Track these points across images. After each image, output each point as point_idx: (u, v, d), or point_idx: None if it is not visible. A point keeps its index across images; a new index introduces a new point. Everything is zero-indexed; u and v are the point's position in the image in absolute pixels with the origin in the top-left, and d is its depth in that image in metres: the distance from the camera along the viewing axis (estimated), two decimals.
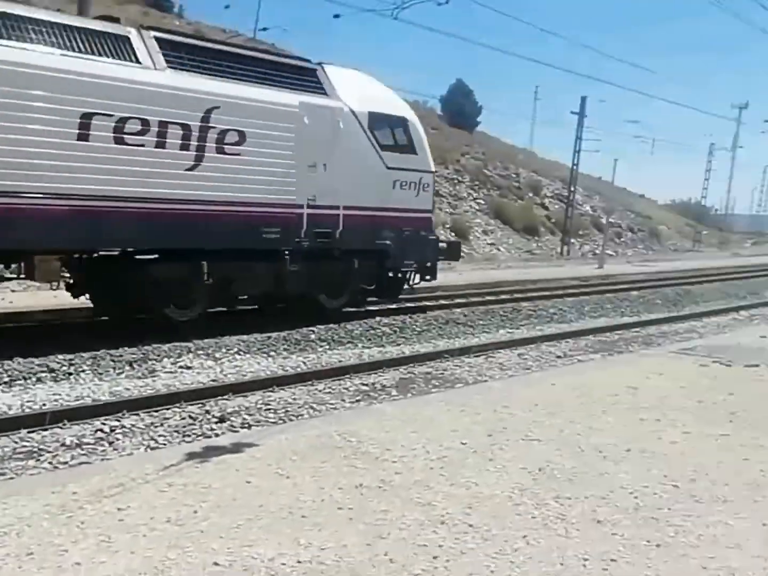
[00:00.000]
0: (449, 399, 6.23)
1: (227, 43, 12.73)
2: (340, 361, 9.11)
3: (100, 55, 8.88)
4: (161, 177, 9.23)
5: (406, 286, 12.98)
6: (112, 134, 8.79)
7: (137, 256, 9.65)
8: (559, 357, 9.91)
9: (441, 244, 13.65)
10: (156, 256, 9.72)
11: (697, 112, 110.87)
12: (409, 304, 13.48)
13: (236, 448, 4.68)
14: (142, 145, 9.06)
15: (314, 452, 4.60)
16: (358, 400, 7.28)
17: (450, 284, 16.23)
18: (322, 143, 10.88)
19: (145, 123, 9.04)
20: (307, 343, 9.93)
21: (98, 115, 8.66)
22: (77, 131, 8.51)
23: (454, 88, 58.03)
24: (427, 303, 14.11)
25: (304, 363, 8.90)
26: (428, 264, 12.82)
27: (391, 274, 12.58)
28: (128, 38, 9.30)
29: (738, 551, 3.33)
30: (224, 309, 11.21)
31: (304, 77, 11.22)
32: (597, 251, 33.70)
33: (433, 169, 13.12)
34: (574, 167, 37.13)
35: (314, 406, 6.95)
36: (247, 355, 9.03)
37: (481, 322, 12.40)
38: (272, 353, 9.22)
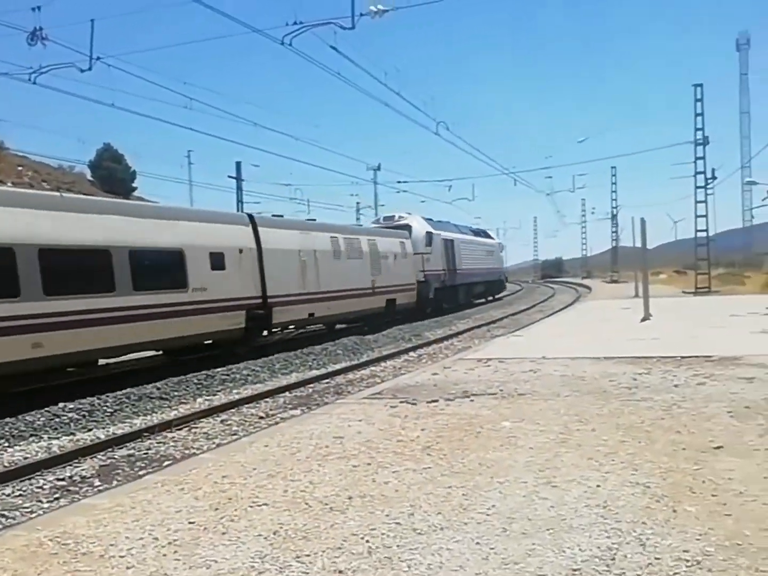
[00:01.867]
0: (164, 479, 5.98)
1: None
2: (25, 458, 8.22)
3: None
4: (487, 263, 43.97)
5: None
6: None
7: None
8: (262, 417, 10.09)
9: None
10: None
11: (343, 175, 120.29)
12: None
13: None
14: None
15: (26, 565, 4.13)
16: (57, 498, 6.64)
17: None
18: (496, 252, 48.22)
19: (481, 250, 44.41)
20: None
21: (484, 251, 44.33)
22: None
23: (103, 152, 56.01)
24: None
25: None
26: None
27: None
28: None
29: (461, 572, 3.75)
30: None
31: (489, 235, 49.97)
32: None
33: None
34: None
35: (6, 513, 6.22)
36: None
37: (176, 393, 12.08)
38: None
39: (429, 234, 30.64)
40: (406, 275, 27.70)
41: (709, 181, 37.02)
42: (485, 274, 41.73)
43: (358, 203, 59.81)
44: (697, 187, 36.77)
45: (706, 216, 36.83)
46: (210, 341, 16.61)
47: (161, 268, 14.97)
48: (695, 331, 15.16)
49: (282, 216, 22.21)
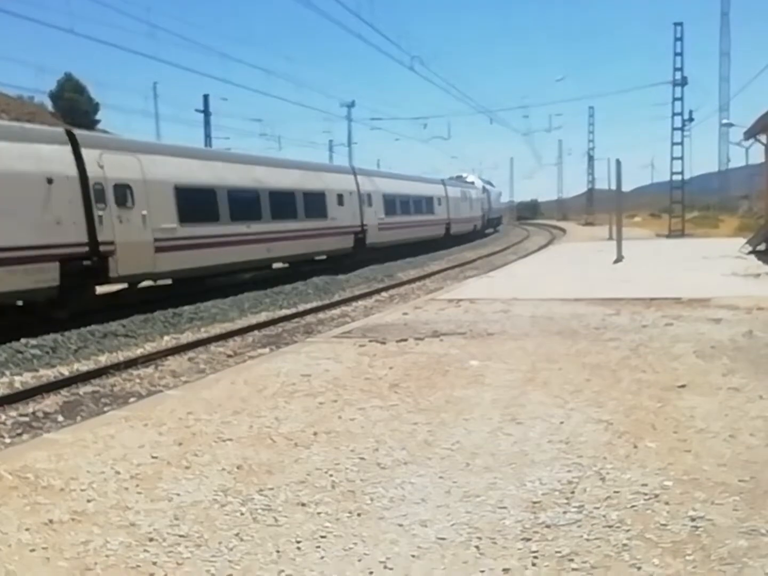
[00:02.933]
0: (127, 415, 5.93)
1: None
2: None
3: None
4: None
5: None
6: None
7: None
8: (230, 356, 10.04)
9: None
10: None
11: (316, 111, 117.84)
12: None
13: None
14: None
15: None
16: (19, 434, 6.57)
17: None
18: (498, 197, 63.00)
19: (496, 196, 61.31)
20: None
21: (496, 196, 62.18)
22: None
23: (64, 82, 54.21)
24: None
25: None
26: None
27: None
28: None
29: (423, 505, 3.77)
30: None
31: (493, 185, 62.58)
32: None
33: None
34: None
35: None
36: None
37: (142, 331, 11.96)
38: None
39: (484, 187, 52.64)
40: (478, 210, 47.98)
41: (687, 122, 36.94)
42: (497, 211, 61.72)
43: (330, 141, 59.24)
44: (674, 129, 36.68)
45: (681, 158, 36.87)
46: (429, 240, 34.22)
47: (429, 204, 35.18)
48: (666, 273, 15.28)
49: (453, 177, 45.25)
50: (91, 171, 13.52)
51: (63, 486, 4.21)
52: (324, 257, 23.61)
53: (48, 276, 12.21)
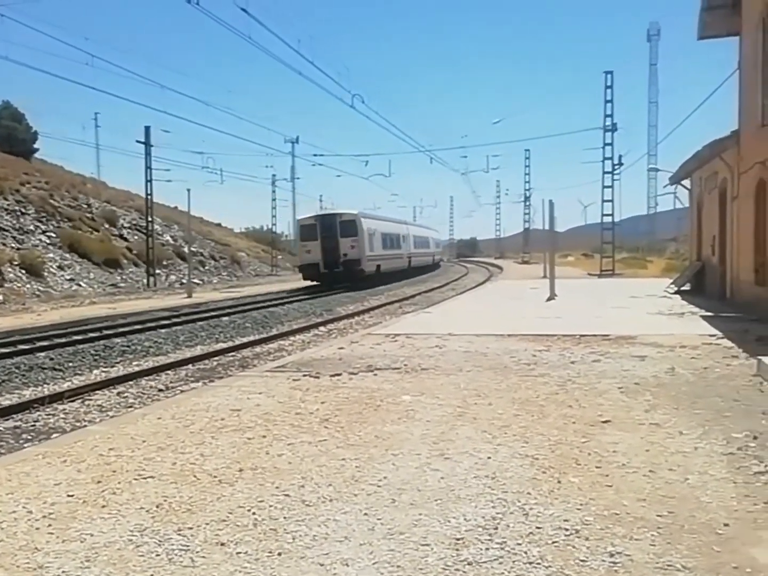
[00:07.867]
0: (46, 451, 5.71)
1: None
2: None
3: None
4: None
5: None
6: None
7: None
8: (161, 390, 9.80)
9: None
10: None
11: (258, 146, 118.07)
12: None
13: None
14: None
15: None
16: None
17: (29, 326, 14.83)
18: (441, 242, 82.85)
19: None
20: None
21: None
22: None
23: (2, 110, 53.04)
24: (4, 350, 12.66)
25: None
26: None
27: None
28: None
29: (346, 543, 3.71)
30: None
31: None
32: (184, 281, 33.97)
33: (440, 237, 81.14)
34: (149, 197, 36.67)
35: None
36: None
37: (70, 364, 11.62)
38: None
39: (439, 233, 76.64)
40: (440, 249, 69.50)
41: (616, 167, 38.26)
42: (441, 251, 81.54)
43: (273, 176, 59.21)
44: (604, 173, 37.95)
45: (612, 201, 38.10)
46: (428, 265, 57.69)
47: (427, 242, 58.96)
48: (596, 311, 15.68)
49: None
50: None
51: None
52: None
53: (404, 264, 46.01)
